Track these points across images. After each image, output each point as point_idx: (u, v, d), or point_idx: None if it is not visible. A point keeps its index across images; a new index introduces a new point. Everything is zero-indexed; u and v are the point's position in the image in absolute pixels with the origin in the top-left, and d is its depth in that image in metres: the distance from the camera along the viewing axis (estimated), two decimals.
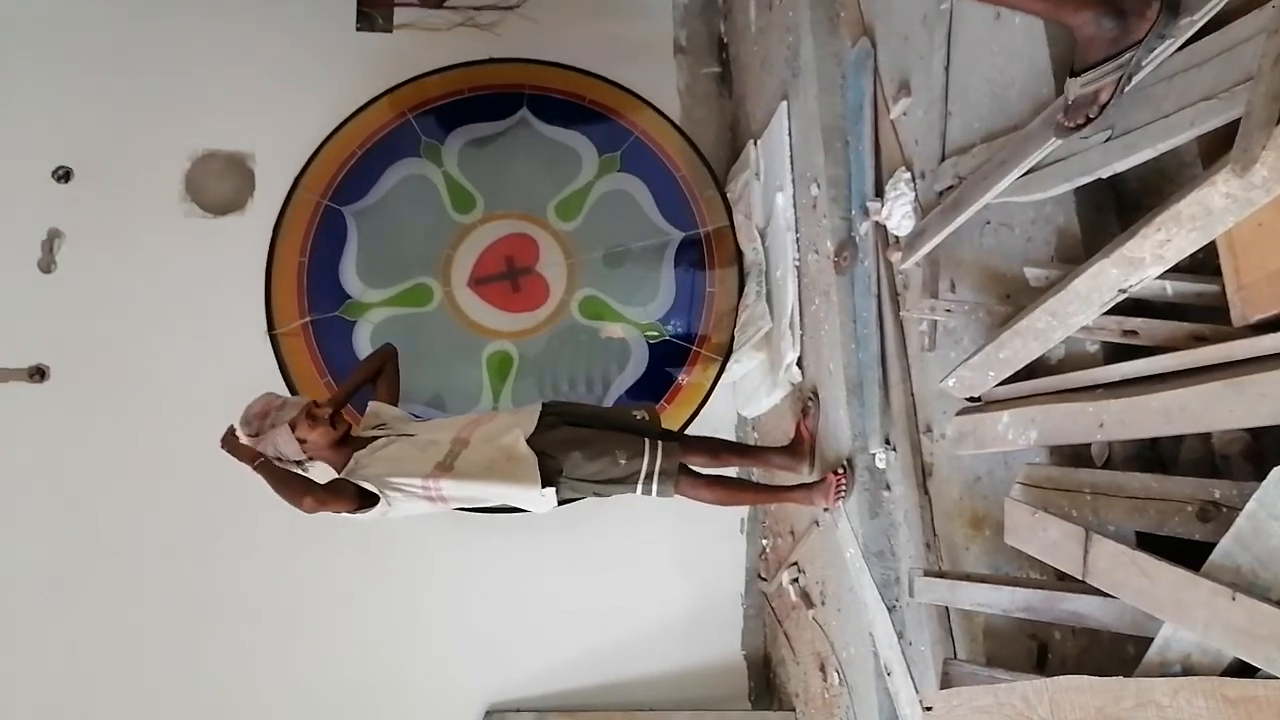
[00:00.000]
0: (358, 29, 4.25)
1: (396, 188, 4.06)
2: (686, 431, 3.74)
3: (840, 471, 2.94)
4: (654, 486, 2.84)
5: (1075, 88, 1.62)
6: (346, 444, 2.81)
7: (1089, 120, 1.64)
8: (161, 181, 3.99)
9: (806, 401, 3.23)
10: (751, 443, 4.00)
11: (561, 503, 2.85)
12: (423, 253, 4.04)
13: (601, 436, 2.85)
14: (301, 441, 2.72)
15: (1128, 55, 1.53)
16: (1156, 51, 1.53)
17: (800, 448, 3.19)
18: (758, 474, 3.82)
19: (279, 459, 2.72)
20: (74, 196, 3.92)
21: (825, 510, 3.04)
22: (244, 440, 2.72)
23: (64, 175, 3.92)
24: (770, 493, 3.43)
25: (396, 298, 4.00)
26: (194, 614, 3.74)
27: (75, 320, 3.84)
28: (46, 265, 3.86)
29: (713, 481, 3.05)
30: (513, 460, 2.75)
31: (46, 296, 3.84)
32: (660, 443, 2.89)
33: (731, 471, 3.52)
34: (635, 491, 2.85)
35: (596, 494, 2.88)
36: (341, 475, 2.74)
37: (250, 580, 3.78)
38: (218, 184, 4.04)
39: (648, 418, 3.04)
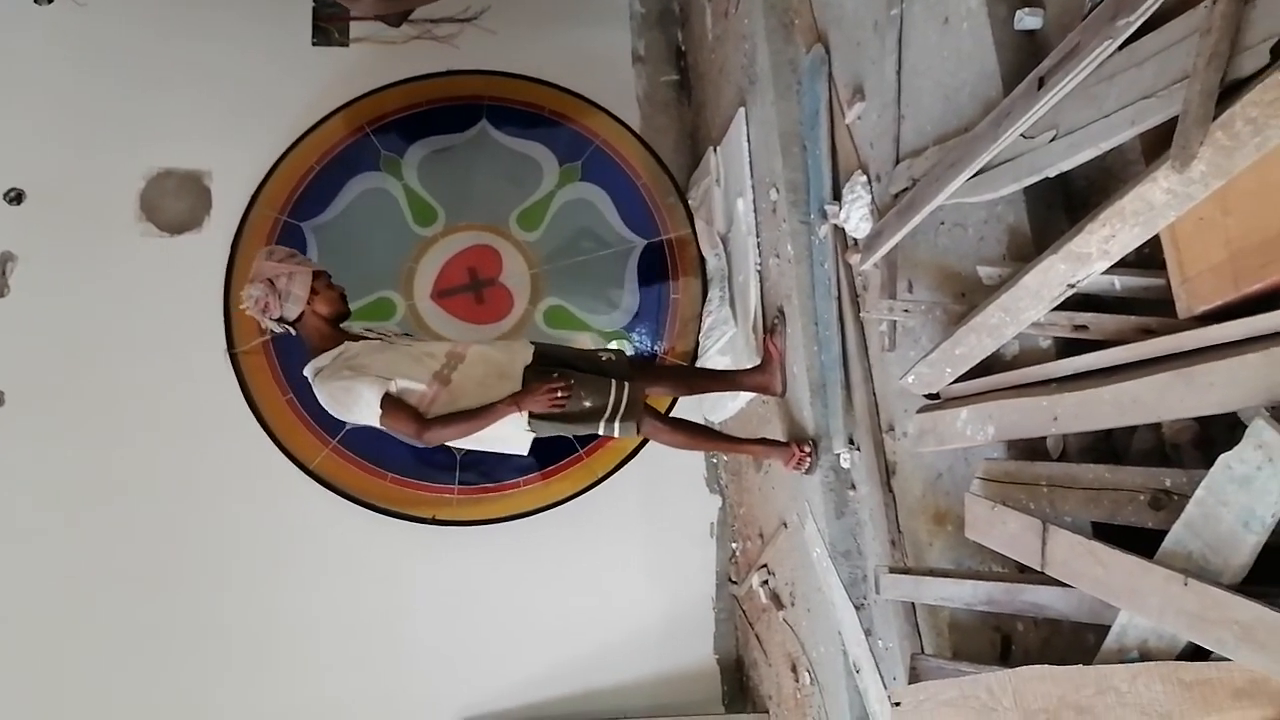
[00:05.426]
0: (314, 44, 4.23)
1: (356, 202, 4.04)
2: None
3: (806, 449, 2.97)
4: (616, 425, 2.89)
5: None
6: (336, 329, 2.81)
7: None
8: (116, 202, 3.94)
9: (774, 320, 3.20)
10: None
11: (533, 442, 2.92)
12: (384, 266, 4.02)
13: (575, 376, 2.88)
14: (313, 294, 2.71)
15: None
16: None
17: (770, 366, 3.18)
18: (725, 459, 4.08)
19: (270, 304, 2.68)
20: (27, 219, 3.86)
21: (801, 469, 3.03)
22: (264, 271, 2.69)
23: (16, 197, 3.86)
24: (732, 442, 3.46)
25: (359, 312, 3.94)
26: (163, 634, 3.68)
27: (30, 344, 3.78)
28: (0, 290, 3.80)
29: (676, 425, 3.12)
30: (504, 380, 2.80)
31: (0, 321, 3.78)
32: (625, 383, 2.92)
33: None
34: (599, 430, 2.90)
35: (562, 431, 2.93)
36: (331, 360, 2.71)
37: (221, 597, 3.73)
38: (174, 203, 3.99)
39: (614, 359, 3.08)
